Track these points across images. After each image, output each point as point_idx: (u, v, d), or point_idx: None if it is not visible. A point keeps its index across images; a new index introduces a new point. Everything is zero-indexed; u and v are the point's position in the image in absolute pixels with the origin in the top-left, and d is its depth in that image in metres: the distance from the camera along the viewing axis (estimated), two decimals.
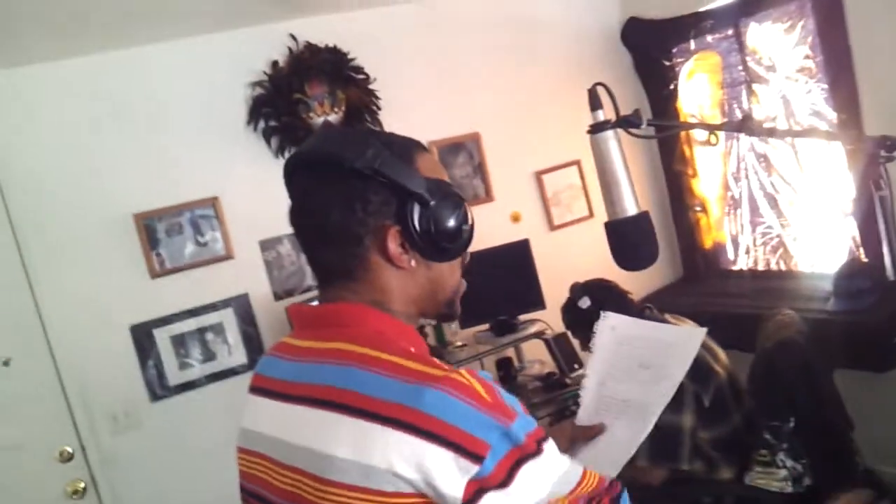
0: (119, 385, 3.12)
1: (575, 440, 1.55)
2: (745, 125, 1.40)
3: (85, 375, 3.05)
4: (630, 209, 1.39)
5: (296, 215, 1.12)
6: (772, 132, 1.54)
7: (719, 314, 3.50)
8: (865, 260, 3.21)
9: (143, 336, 3.15)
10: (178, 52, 3.28)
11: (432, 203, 1.06)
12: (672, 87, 4.06)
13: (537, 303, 3.45)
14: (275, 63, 3.40)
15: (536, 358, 3.58)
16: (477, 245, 3.75)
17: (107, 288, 3.13)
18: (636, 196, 1.39)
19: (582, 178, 4.02)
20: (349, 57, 3.51)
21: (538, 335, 3.45)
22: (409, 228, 1.06)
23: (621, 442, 1.49)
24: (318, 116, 3.40)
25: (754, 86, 3.65)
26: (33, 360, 2.96)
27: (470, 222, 1.13)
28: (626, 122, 1.37)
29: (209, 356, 3.25)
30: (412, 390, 0.94)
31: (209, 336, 3.25)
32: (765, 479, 2.26)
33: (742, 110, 3.75)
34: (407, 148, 1.11)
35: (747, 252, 3.97)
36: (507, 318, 3.52)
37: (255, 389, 1.18)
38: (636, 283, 4.07)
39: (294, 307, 1.16)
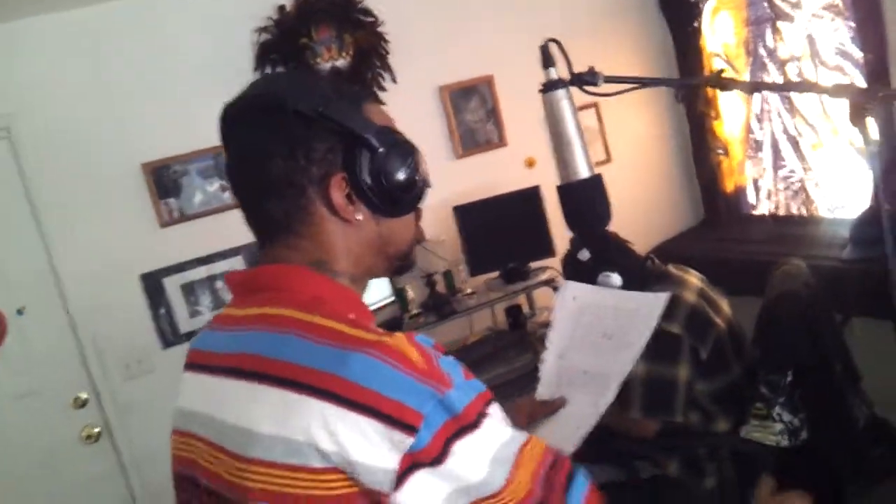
0: (131, 333, 3.18)
1: (534, 416, 1.49)
2: (717, 81, 1.33)
3: (97, 323, 3.10)
4: (582, 171, 1.34)
5: (233, 167, 1.05)
6: (746, 87, 1.46)
7: (735, 260, 3.42)
8: (888, 207, 3.09)
9: (153, 285, 3.19)
10: None
11: (381, 150, 0.98)
12: (696, 24, 3.92)
13: (548, 250, 3.40)
14: (281, 7, 3.34)
15: (546, 306, 3.55)
16: (490, 191, 3.69)
17: (117, 238, 3.16)
18: (589, 157, 1.34)
19: (600, 120, 3.93)
20: None
21: (548, 283, 3.42)
22: (357, 178, 0.98)
23: (581, 415, 1.45)
24: (325, 62, 3.35)
25: (779, 23, 3.50)
26: (47, 308, 3.03)
27: (422, 174, 1.04)
28: (580, 80, 1.32)
29: (219, 303, 3.27)
30: (338, 355, 0.87)
31: (219, 284, 3.27)
32: (761, 432, 2.22)
33: (766, 48, 3.61)
34: (356, 94, 1.04)
35: (769, 196, 3.85)
36: (517, 266, 3.49)
37: (189, 366, 1.10)
38: (657, 227, 4.03)
39: (230, 273, 1.09)
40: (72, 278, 3.06)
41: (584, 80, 1.31)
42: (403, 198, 1.03)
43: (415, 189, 1.04)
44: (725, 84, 1.34)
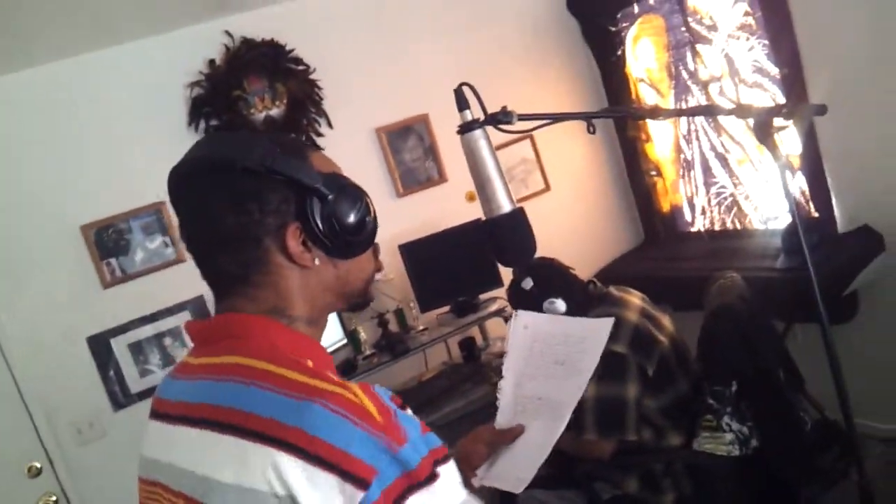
0: (81, 396, 3.14)
1: (494, 444, 1.51)
2: (626, 110, 1.39)
3: (46, 390, 3.06)
4: (505, 206, 1.39)
5: (187, 227, 1.06)
6: (653, 113, 1.53)
7: (675, 277, 3.51)
8: (816, 215, 3.22)
9: (100, 346, 3.16)
10: (114, 59, 3.27)
11: (331, 197, 1.02)
12: (620, 52, 4.04)
13: (495, 281, 3.44)
14: (212, 61, 3.37)
15: (499, 336, 3.59)
16: (434, 228, 3.71)
17: (60, 301, 3.13)
18: (510, 192, 1.40)
19: (535, 151, 4.00)
20: (287, 49, 3.47)
21: (498, 313, 3.47)
22: (311, 225, 1.02)
23: (536, 443, 1.48)
24: (258, 112, 3.39)
25: (698, 46, 3.63)
26: None
27: (373, 214, 1.09)
28: (494, 120, 1.38)
29: (169, 361, 3.25)
30: (295, 406, 0.89)
31: (167, 341, 3.25)
32: (712, 443, 2.28)
33: (688, 71, 3.74)
34: (297, 146, 1.08)
35: (703, 213, 3.97)
36: (467, 299, 3.53)
37: (152, 413, 1.12)
38: (600, 251, 4.11)
39: (189, 322, 1.10)
40: (17, 345, 3.02)
41: (499, 119, 1.37)
42: (356, 240, 1.07)
43: (366, 230, 1.08)
44: (634, 114, 1.40)
